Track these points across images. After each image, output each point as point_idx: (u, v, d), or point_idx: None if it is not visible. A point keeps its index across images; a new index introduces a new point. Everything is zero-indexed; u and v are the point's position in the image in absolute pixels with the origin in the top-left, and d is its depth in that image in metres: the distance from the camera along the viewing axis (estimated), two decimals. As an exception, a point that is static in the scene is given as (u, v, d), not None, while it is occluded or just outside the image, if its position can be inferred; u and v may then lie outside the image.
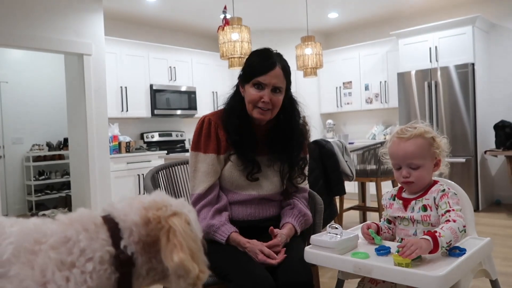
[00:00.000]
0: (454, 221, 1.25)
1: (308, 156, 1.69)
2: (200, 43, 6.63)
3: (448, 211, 1.29)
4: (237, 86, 1.63)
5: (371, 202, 4.75)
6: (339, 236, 1.30)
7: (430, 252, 1.17)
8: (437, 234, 1.20)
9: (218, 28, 3.83)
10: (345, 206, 4.25)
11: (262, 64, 1.52)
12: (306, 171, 1.66)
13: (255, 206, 1.55)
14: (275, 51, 1.62)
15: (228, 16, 3.89)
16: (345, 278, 1.42)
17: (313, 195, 1.68)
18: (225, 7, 3.91)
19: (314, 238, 1.32)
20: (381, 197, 4.00)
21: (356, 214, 4.61)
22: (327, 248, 1.27)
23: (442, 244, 1.19)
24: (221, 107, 1.68)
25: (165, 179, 1.79)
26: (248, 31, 3.85)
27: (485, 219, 4.45)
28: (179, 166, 1.88)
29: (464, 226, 1.25)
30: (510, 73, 5.25)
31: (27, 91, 6.02)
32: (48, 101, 6.19)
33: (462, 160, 4.90)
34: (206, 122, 1.58)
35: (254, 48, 4.37)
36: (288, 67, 1.60)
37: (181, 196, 1.83)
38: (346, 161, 3.19)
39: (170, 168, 1.83)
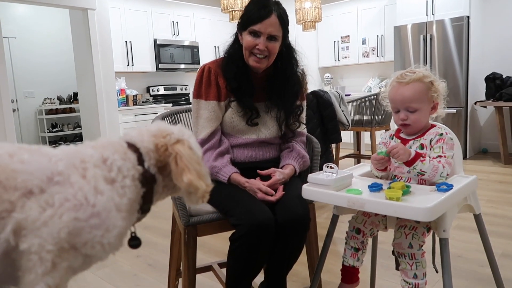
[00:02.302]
0: (443, 166, 1.27)
1: (305, 103, 1.67)
2: (202, -2, 6.40)
3: (440, 156, 1.30)
4: (236, 34, 1.58)
5: (365, 151, 4.78)
6: (334, 174, 1.32)
7: (405, 163, 1.29)
8: (421, 158, 1.26)
9: (219, -19, 3.69)
10: (341, 154, 4.29)
11: (258, 13, 1.47)
12: (302, 117, 1.65)
13: (255, 149, 1.55)
14: (274, 0, 1.55)
15: (229, -32, 3.72)
16: (339, 214, 1.45)
17: (311, 138, 1.68)
18: (225, -41, 3.73)
19: (311, 176, 1.33)
20: (375, 145, 4.03)
21: (351, 161, 4.67)
22: (324, 185, 1.29)
23: (416, 166, 1.26)
24: (221, 55, 1.64)
25: (171, 123, 1.78)
26: (248, -17, 3.71)
27: (472, 166, 4.50)
28: (183, 114, 1.87)
29: (448, 175, 1.28)
30: (504, 26, 5.09)
31: (35, 46, 5.90)
32: (56, 55, 6.08)
33: (453, 111, 4.87)
34: (206, 71, 1.55)
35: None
36: (286, 15, 1.54)
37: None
38: (342, 111, 3.17)
39: (176, 115, 1.82)
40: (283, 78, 1.55)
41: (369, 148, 4.65)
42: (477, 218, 1.44)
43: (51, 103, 5.96)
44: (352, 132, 4.75)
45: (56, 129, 6.00)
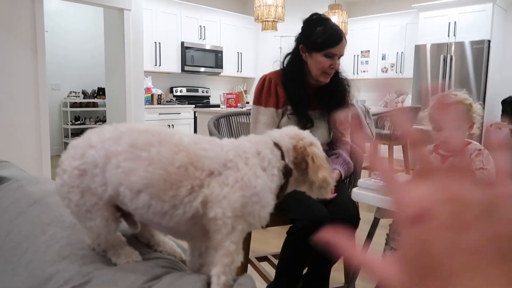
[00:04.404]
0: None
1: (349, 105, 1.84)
2: (228, 4, 6.59)
3: (482, 168, 1.45)
4: (297, 51, 1.71)
5: (380, 164, 4.93)
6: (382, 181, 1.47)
7: None
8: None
9: (255, -8, 3.87)
10: (358, 165, 4.43)
11: (333, 37, 1.64)
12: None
13: None
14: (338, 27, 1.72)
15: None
16: (381, 217, 1.60)
17: (355, 148, 1.84)
18: (262, -28, 3.92)
19: (361, 181, 1.49)
20: (393, 159, 4.16)
21: (365, 174, 4.81)
22: (373, 190, 1.45)
23: None
24: (275, 65, 1.80)
25: (224, 125, 1.95)
26: (282, -4, 3.89)
27: (484, 186, 4.63)
28: (234, 117, 2.04)
29: None
30: (523, 51, 5.26)
31: (65, 40, 6.11)
32: (84, 51, 6.28)
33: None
34: (267, 80, 1.72)
35: (286, 13, 4.36)
36: None
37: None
38: (368, 124, 3.33)
39: (229, 117, 1.99)
40: (334, 88, 1.73)
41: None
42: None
43: (76, 96, 6.15)
44: (368, 145, 4.91)
45: (79, 122, 6.19)
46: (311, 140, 0.88)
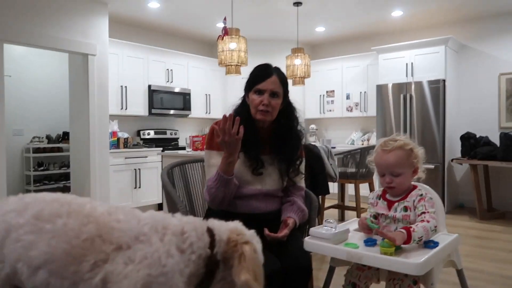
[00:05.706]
0: (428, 221, 1.42)
1: (303, 154, 1.85)
2: (196, 48, 6.73)
3: (424, 212, 1.46)
4: (244, 96, 1.78)
5: (349, 202, 4.96)
6: (334, 229, 1.46)
7: (404, 243, 1.34)
8: (411, 229, 1.38)
9: (218, 37, 3.96)
10: (326, 204, 4.44)
11: (261, 74, 1.71)
12: (302, 168, 1.82)
13: (259, 200, 1.69)
14: (274, 66, 1.77)
15: (228, 25, 4.01)
16: (336, 265, 1.58)
17: (309, 193, 1.84)
18: (225, 18, 4.04)
19: (313, 230, 1.47)
20: (359, 197, 4.20)
21: (335, 212, 4.82)
22: (324, 239, 1.43)
23: (414, 238, 1.36)
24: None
25: (178, 175, 1.92)
26: (245, 41, 3.99)
27: (450, 221, 4.70)
28: (189, 164, 2.01)
29: (436, 227, 1.43)
30: (476, 89, 5.55)
31: (28, 85, 6.01)
32: (48, 96, 6.18)
33: (431, 166, 5.15)
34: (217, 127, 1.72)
35: (250, 57, 4.50)
36: (285, 77, 1.78)
37: (192, 188, 1.97)
38: (330, 164, 3.37)
39: (183, 165, 1.96)
40: (285, 133, 1.74)
41: (353, 199, 4.83)
42: (460, 273, 1.60)
43: (40, 141, 5.98)
44: (336, 183, 4.94)
45: (42, 167, 5.98)
46: (250, 240, 0.83)
